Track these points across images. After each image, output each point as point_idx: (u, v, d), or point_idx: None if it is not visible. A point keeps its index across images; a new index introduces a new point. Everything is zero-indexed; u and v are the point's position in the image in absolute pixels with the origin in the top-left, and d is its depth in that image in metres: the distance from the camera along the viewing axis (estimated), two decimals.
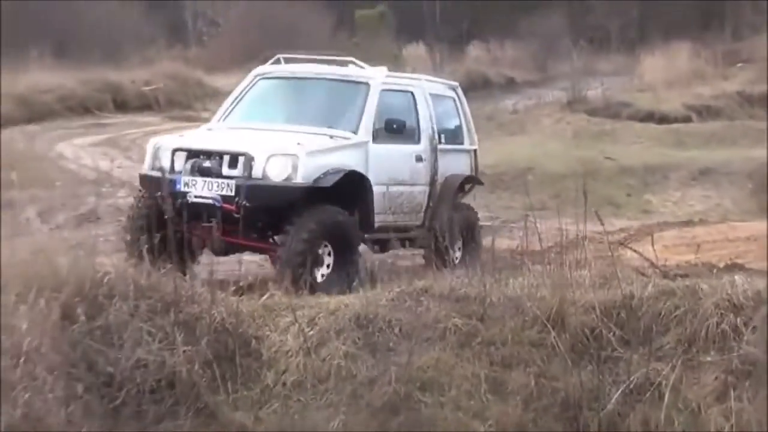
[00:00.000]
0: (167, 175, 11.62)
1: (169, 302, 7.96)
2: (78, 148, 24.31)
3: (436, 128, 13.74)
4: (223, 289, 8.60)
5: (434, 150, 13.60)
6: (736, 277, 8.77)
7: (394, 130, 12.59)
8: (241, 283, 9.67)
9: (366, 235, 12.51)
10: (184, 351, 7.53)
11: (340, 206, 11.82)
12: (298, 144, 11.65)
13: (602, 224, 8.90)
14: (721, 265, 12.03)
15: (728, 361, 7.38)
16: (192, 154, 11.96)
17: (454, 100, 14.92)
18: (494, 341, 7.98)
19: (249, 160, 11.39)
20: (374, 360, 7.77)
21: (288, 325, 8.22)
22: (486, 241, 13.47)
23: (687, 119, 31.29)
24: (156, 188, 11.33)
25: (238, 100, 13.94)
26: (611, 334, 7.88)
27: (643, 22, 50.92)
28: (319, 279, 11.21)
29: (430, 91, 14.02)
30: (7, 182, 11.48)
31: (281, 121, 13.22)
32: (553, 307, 8.11)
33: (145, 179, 12.32)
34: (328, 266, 11.52)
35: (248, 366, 7.92)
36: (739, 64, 38.76)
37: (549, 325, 8.00)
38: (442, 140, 13.94)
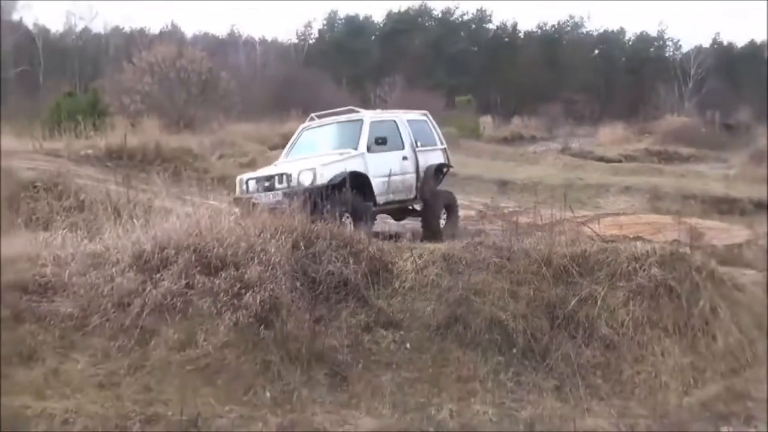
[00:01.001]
0: (246, 195, 17.80)
1: (347, 242, 12.93)
2: None
3: (413, 138, 20.18)
4: (375, 236, 13.62)
5: (414, 151, 20.09)
6: (637, 243, 14.23)
7: (380, 143, 18.70)
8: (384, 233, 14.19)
9: (376, 207, 18.30)
10: (353, 267, 12.42)
11: (356, 191, 17.19)
12: (318, 162, 17.55)
13: (572, 212, 14.82)
14: (631, 236, 17.76)
15: (631, 286, 12.24)
16: (259, 180, 18.17)
17: (426, 122, 21.51)
18: (513, 270, 12.54)
19: (288, 176, 17.31)
20: (450, 277, 12.43)
21: (407, 257, 12.96)
22: (514, 218, 17.51)
23: (619, 161, 48.49)
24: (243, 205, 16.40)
25: (292, 144, 20.77)
26: (574, 269, 12.52)
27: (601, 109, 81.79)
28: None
29: (407, 119, 20.63)
30: None
31: (315, 152, 19.29)
32: (545, 254, 12.76)
33: (234, 200, 17.68)
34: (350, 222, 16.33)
35: (385, 277, 12.65)
36: (646, 134, 64.43)
37: (542, 264, 12.57)
38: (419, 144, 20.28)
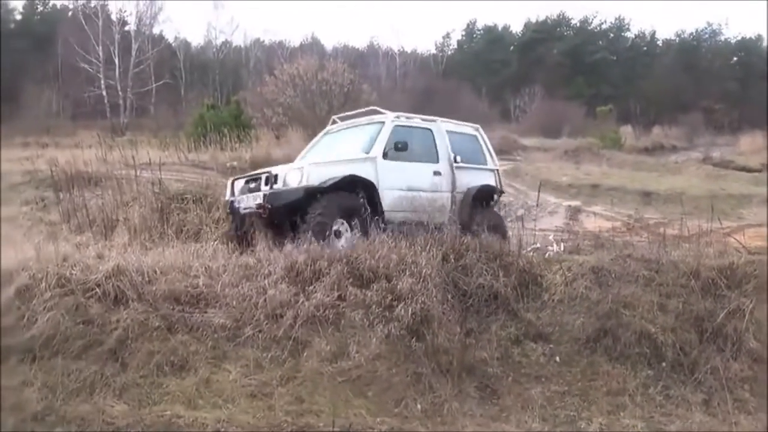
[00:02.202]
0: (229, 198, 15.90)
1: (496, 254, 12.84)
2: None
3: (452, 153, 16.91)
4: (522, 248, 13.39)
5: (451, 167, 16.84)
6: None
7: (401, 148, 15.51)
8: (533, 246, 14.15)
9: (386, 225, 14.55)
10: (503, 280, 12.32)
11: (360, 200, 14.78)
12: (309, 162, 15.11)
13: (721, 224, 14.25)
14: None
15: None
16: (246, 181, 15.59)
17: (476, 137, 18.34)
18: (662, 283, 12.42)
19: (273, 176, 14.53)
20: (600, 290, 12.30)
21: (557, 270, 12.85)
22: (660, 229, 16.60)
23: (760, 170, 46.61)
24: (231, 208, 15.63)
25: (309, 149, 18.29)
26: (722, 282, 12.39)
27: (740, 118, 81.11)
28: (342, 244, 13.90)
29: (447, 129, 17.39)
30: None
31: (330, 156, 16.51)
32: (693, 267, 12.62)
33: (225, 204, 16.34)
34: (348, 232, 14.30)
35: (535, 290, 12.52)
36: None
37: (691, 276, 12.45)
38: (458, 160, 16.96)
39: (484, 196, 17.55)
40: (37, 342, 10.80)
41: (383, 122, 16.46)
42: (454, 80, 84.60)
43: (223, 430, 9.64)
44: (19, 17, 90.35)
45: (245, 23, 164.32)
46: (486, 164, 18.22)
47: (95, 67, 72.89)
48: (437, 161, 16.78)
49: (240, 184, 15.74)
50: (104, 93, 72.84)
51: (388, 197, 15.32)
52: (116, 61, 73.65)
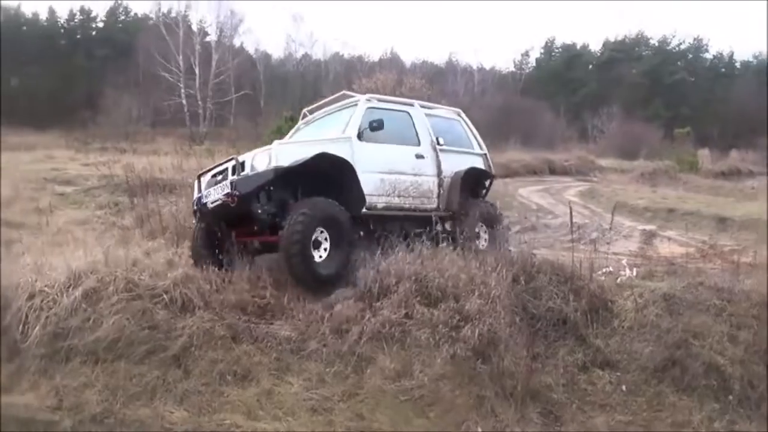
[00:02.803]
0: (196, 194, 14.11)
1: (567, 277, 12.58)
2: (528, 192, 34.04)
3: (434, 136, 15.68)
4: (593, 271, 13.05)
5: (435, 150, 15.55)
6: None
7: (376, 128, 14.02)
8: (605, 270, 13.67)
9: (367, 211, 13.89)
10: (573, 305, 12.09)
11: (331, 188, 13.32)
12: (277, 143, 13.23)
13: None
14: None
15: None
16: (214, 174, 13.85)
17: (459, 121, 17.24)
18: (733, 313, 12.07)
19: (240, 163, 12.93)
20: (670, 318, 11.97)
21: (628, 296, 12.51)
22: (733, 257, 15.24)
23: None
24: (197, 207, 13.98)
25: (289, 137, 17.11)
26: None
27: None
28: (318, 258, 12.49)
29: (427, 112, 16.29)
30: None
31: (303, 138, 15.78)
32: (766, 297, 12.16)
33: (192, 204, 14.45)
34: (325, 249, 12.62)
35: (605, 316, 12.19)
36: None
37: (763, 307, 12.06)
38: (441, 143, 15.73)
39: (474, 180, 16.49)
40: (101, 345, 11.01)
41: (356, 104, 15.29)
42: (532, 98, 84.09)
43: None
44: (101, 25, 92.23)
45: (324, 37, 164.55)
46: (472, 148, 17.11)
47: (175, 76, 73.71)
48: (418, 144, 15.57)
49: (207, 178, 14.19)
50: (184, 102, 73.54)
51: (368, 180, 14.03)
52: (196, 71, 74.42)
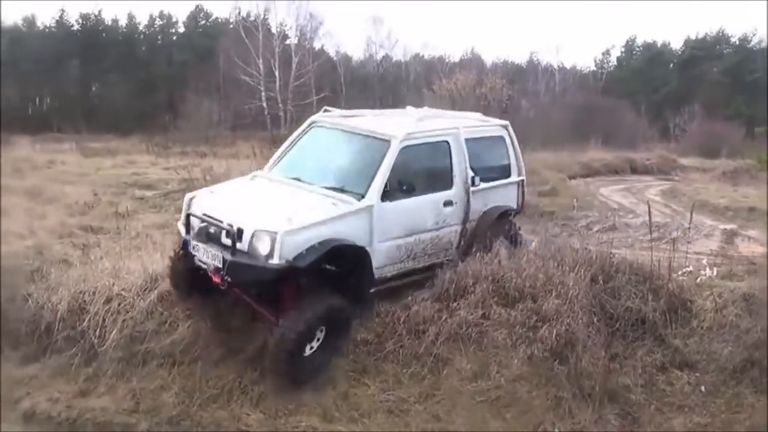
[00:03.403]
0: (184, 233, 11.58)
1: (646, 277, 12.32)
2: (609, 191, 33.71)
3: (469, 171, 12.91)
4: (673, 271, 12.78)
5: (467, 192, 12.84)
6: None
7: (407, 190, 11.66)
8: (685, 270, 13.50)
9: (374, 289, 11.54)
10: (652, 305, 11.83)
11: (339, 273, 11.14)
12: (287, 218, 10.52)
13: None
14: None
15: None
16: (205, 215, 11.25)
17: (503, 138, 14.13)
18: None
19: (237, 232, 10.52)
20: (750, 318, 11.64)
21: (707, 296, 12.27)
22: None
23: None
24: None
25: (289, 146, 13.33)
26: None
27: None
28: (307, 352, 10.61)
29: (468, 136, 13.13)
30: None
31: (305, 179, 12.11)
32: None
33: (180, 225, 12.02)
34: (318, 340, 10.78)
35: (684, 316, 11.93)
36: None
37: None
38: (477, 183, 13.04)
39: (500, 223, 13.73)
40: (177, 347, 11.16)
41: (388, 141, 11.96)
42: (613, 97, 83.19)
43: None
44: (181, 30, 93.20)
45: (404, 38, 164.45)
46: (510, 175, 14.24)
47: (256, 79, 74.06)
48: (451, 187, 12.80)
49: (199, 210, 11.50)
50: (264, 105, 74.05)
51: (380, 252, 11.60)
52: (277, 74, 74.68)
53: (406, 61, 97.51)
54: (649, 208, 15.44)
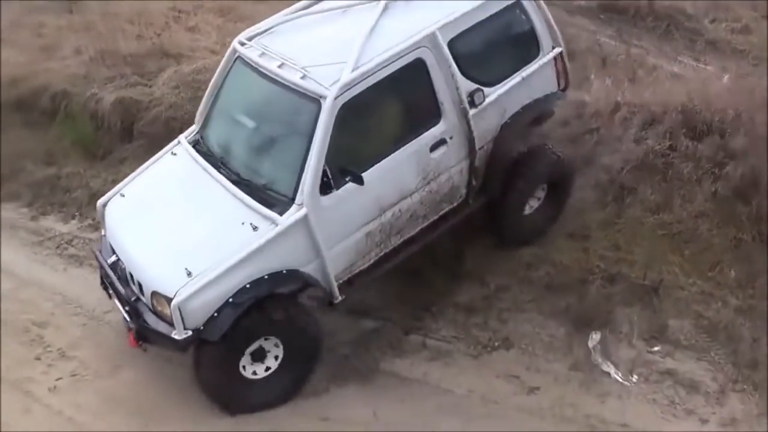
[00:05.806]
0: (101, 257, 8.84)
1: None
2: None
3: (465, 89, 8.61)
4: None
5: (466, 117, 8.68)
6: None
7: (352, 179, 7.85)
8: None
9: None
10: None
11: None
12: (186, 268, 7.55)
13: None
14: None
15: None
16: (113, 249, 8.59)
17: (518, 5, 9.13)
18: None
19: (138, 286, 8.05)
20: None
21: None
22: None
23: None
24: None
25: (212, 93, 9.13)
26: None
27: None
28: (254, 376, 8.15)
29: (454, 34, 8.56)
30: None
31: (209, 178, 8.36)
32: None
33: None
34: (276, 358, 8.22)
35: None
36: None
37: None
38: (477, 100, 8.80)
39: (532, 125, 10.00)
40: None
41: (317, 102, 7.75)
42: None
43: None
44: None
45: None
46: (538, 55, 9.52)
47: None
48: (438, 120, 8.61)
49: (108, 233, 8.85)
50: None
51: (338, 255, 8.28)
52: None
53: None
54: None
